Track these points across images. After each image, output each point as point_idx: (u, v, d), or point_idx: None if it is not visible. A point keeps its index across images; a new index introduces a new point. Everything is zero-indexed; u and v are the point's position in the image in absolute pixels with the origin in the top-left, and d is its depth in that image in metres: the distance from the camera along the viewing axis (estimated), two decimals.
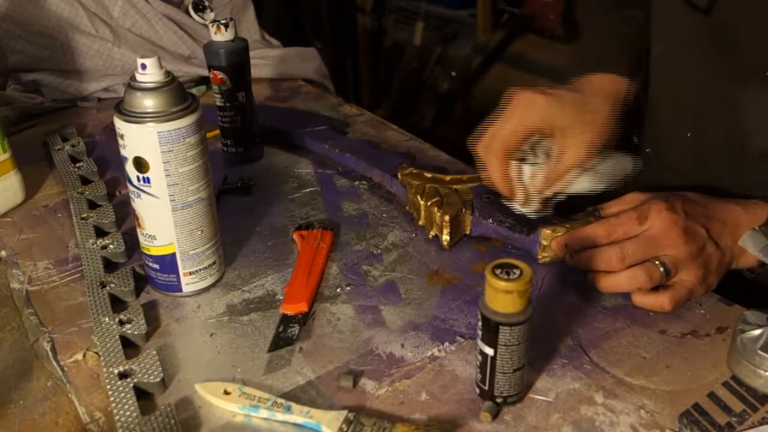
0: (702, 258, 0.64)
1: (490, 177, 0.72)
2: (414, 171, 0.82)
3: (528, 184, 0.72)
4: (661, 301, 0.64)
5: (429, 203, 0.76)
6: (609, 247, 0.65)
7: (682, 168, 0.79)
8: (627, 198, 0.69)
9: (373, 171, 0.89)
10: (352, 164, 0.92)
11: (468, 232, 0.77)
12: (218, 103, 0.93)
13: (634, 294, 0.65)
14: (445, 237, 0.75)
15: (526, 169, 0.72)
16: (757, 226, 0.65)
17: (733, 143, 0.74)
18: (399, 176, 0.83)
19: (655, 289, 0.65)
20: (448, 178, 0.80)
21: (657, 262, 0.63)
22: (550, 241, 0.70)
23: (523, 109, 0.69)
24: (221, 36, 0.89)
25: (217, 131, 0.96)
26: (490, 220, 0.75)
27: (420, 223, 0.79)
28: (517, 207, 0.73)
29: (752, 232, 0.65)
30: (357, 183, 0.90)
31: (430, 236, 0.77)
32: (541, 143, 0.72)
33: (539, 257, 0.72)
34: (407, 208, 0.82)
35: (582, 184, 0.72)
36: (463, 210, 0.76)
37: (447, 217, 0.74)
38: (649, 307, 0.65)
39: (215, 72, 0.91)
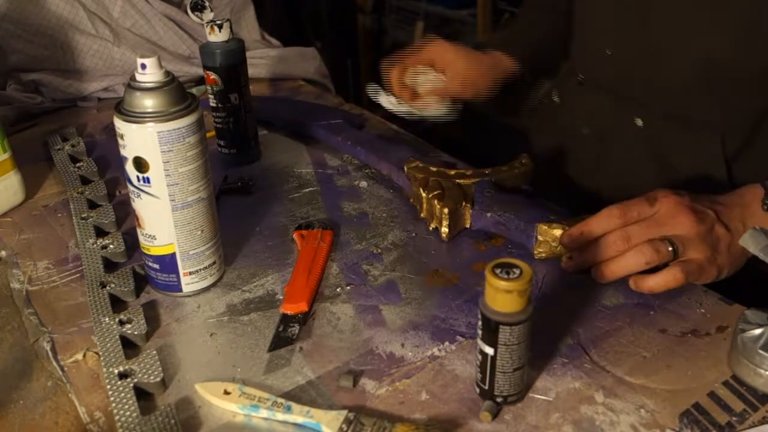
0: (711, 238, 0.64)
1: (389, 80, 0.93)
2: (420, 165, 0.83)
3: (418, 88, 0.92)
4: (673, 272, 0.62)
5: (430, 195, 0.77)
6: (613, 232, 0.65)
7: (605, 85, 0.89)
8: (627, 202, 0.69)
9: (381, 164, 0.91)
10: (362, 157, 0.94)
11: (468, 226, 0.78)
12: (211, 104, 0.93)
13: (645, 280, 0.63)
14: (444, 229, 0.76)
15: (420, 78, 0.92)
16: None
17: (649, 59, 0.81)
18: (405, 169, 0.84)
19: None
20: (452, 172, 0.81)
21: (665, 240, 0.63)
22: (546, 236, 0.70)
23: (430, 46, 0.93)
24: (215, 37, 0.89)
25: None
26: (489, 214, 0.76)
27: (421, 215, 0.79)
28: (398, 105, 0.93)
29: (753, 231, 0.65)
30: (357, 183, 0.90)
31: (431, 228, 0.78)
32: (433, 72, 0.92)
33: (535, 252, 0.72)
34: (411, 200, 0.83)
35: (441, 110, 0.93)
36: (464, 203, 0.76)
37: (446, 210, 0.75)
38: (663, 285, 0.62)
39: (208, 72, 0.91)
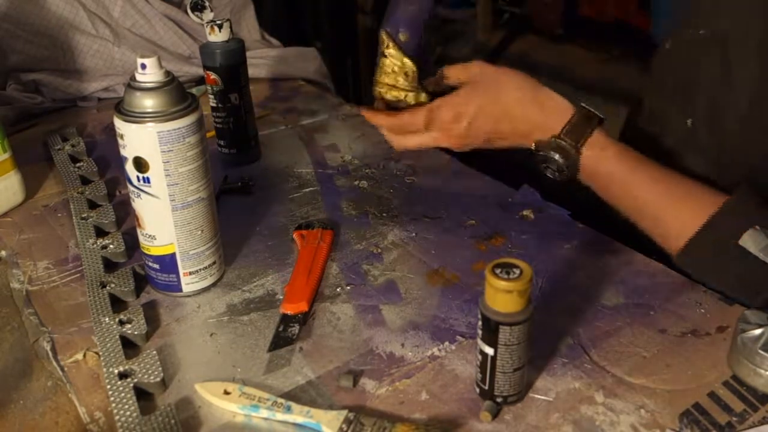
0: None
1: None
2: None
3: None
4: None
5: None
6: (397, 134, 0.75)
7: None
8: (468, 68, 0.74)
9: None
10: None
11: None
12: (211, 104, 0.93)
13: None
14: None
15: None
16: (758, 226, 0.65)
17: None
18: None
19: None
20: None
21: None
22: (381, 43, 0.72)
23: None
24: (215, 37, 0.89)
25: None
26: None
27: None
28: None
29: (753, 231, 0.65)
30: (357, 183, 0.90)
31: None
32: None
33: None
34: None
35: None
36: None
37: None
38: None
39: (208, 72, 0.91)
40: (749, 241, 0.65)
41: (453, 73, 0.74)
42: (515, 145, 0.72)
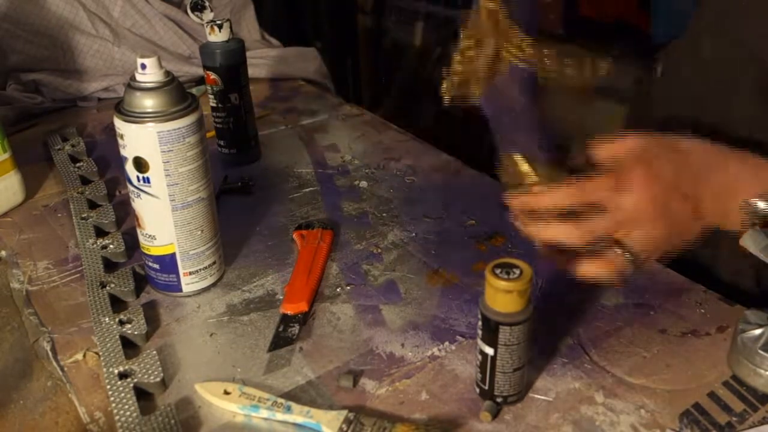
0: (670, 240, 0.57)
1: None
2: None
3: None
4: (609, 274, 0.57)
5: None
6: (575, 223, 0.57)
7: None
8: (623, 145, 0.58)
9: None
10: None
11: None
12: (211, 104, 0.93)
13: (586, 267, 0.58)
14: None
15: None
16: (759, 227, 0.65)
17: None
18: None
19: None
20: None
21: (623, 252, 0.56)
22: (508, 170, 0.62)
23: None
24: (215, 37, 0.89)
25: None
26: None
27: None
28: None
29: (753, 232, 0.65)
30: (357, 183, 0.90)
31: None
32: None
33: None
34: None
35: None
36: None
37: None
38: (603, 276, 0.58)
39: (208, 72, 0.91)
40: (749, 240, 0.65)
41: (604, 154, 0.58)
42: (712, 223, 0.59)
